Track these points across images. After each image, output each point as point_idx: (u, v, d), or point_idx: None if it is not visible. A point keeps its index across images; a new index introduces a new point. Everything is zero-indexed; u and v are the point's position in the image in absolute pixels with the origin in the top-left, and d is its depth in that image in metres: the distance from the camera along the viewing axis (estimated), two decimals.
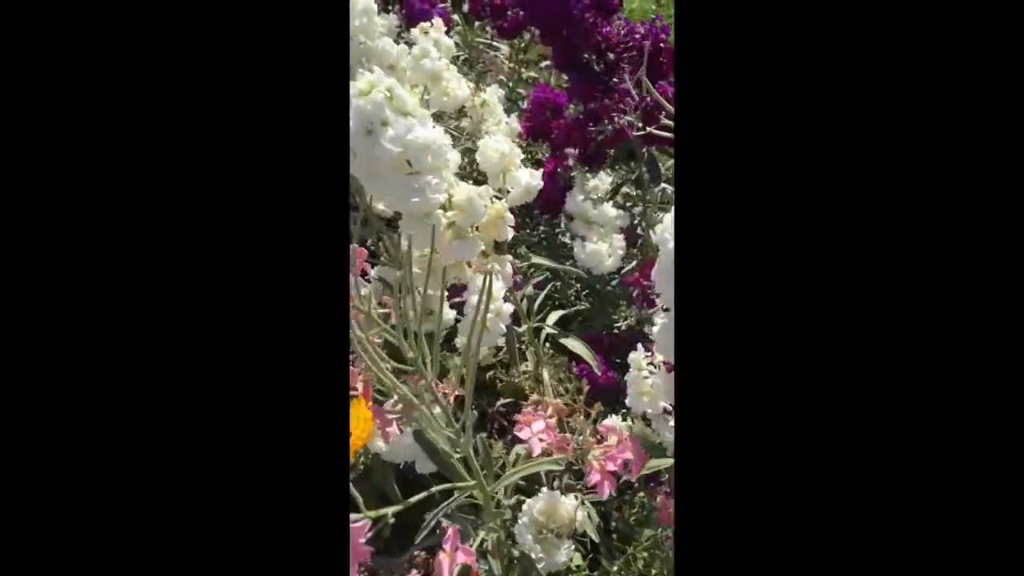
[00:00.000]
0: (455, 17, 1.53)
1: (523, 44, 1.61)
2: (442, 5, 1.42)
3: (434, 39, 1.01)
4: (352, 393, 0.77)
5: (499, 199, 0.78)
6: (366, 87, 0.61)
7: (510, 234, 0.79)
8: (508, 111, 1.15)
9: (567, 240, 1.34)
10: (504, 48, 1.54)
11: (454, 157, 0.72)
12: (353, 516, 0.54)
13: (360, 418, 0.81)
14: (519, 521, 0.75)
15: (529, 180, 0.81)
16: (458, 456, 0.72)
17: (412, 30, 1.04)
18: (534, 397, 0.78)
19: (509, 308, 0.77)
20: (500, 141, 0.81)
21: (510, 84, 1.57)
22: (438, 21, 1.05)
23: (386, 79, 0.63)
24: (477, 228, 0.78)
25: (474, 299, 0.74)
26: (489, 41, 1.58)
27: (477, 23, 1.55)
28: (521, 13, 1.42)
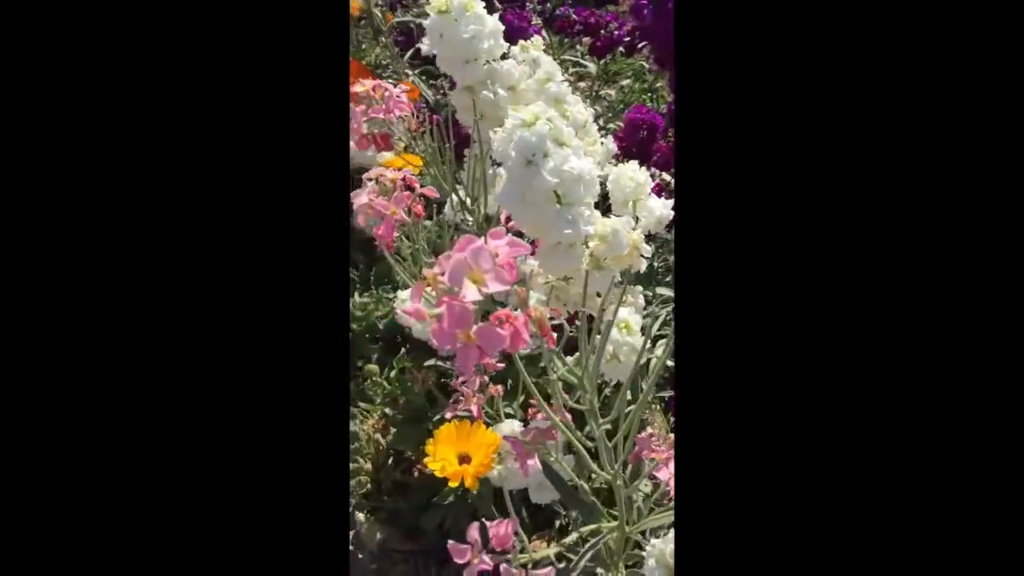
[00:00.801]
0: (543, 34, 1.52)
1: (606, 62, 1.60)
2: (536, 23, 1.42)
3: (533, 57, 1.00)
4: (464, 414, 0.75)
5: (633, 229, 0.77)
6: (531, 118, 0.60)
7: (644, 265, 0.77)
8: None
9: (655, 264, 1.32)
10: (591, 66, 1.53)
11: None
12: (522, 557, 0.53)
13: (483, 443, 0.79)
14: (647, 562, 0.73)
15: (663, 210, 0.79)
16: (592, 492, 0.70)
17: (512, 48, 1.04)
18: (648, 430, 0.76)
19: (642, 341, 0.75)
20: (635, 170, 0.79)
21: (587, 100, 1.56)
22: (537, 39, 1.04)
23: (548, 110, 0.61)
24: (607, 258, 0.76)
25: (613, 332, 0.73)
26: (577, 59, 1.57)
27: (565, 40, 1.54)
28: (616, 32, 1.41)
